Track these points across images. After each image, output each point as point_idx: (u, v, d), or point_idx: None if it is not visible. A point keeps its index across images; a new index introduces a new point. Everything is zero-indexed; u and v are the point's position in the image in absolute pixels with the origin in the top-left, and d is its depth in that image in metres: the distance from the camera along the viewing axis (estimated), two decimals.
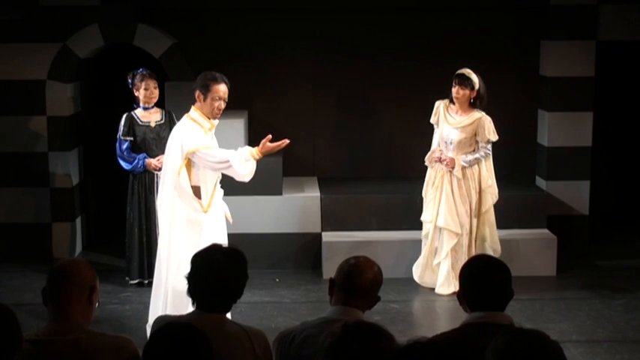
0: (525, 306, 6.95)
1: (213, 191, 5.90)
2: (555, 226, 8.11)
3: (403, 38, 8.76)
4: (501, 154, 8.77)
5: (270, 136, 5.85)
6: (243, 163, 5.78)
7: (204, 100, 5.86)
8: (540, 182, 8.81)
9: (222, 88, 5.87)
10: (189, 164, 5.80)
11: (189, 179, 5.80)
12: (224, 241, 5.84)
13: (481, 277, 3.30)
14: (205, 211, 5.83)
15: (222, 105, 5.91)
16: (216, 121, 5.97)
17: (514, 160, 8.94)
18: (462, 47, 8.55)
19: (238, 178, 5.93)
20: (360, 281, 3.48)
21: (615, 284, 7.59)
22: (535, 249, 7.84)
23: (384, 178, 8.82)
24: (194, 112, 5.91)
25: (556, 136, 8.60)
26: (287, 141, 5.87)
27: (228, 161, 5.75)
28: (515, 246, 7.80)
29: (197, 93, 5.88)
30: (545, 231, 8.05)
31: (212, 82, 5.85)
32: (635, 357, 6.04)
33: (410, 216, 7.75)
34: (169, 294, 5.82)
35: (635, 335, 6.45)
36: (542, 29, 8.67)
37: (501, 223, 7.96)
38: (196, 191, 5.83)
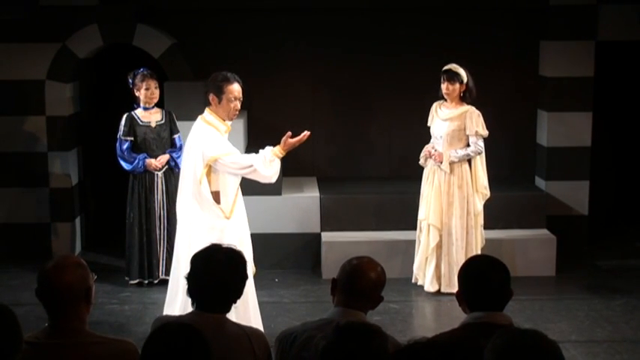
0: (524, 306, 6.95)
1: (235, 197, 5.74)
2: (555, 226, 8.12)
3: (403, 38, 8.76)
4: (501, 154, 8.78)
5: (290, 133, 5.71)
6: (268, 164, 5.64)
7: (220, 102, 5.69)
8: (540, 182, 8.81)
9: (236, 88, 5.71)
10: (209, 171, 5.63)
11: (210, 185, 5.64)
12: (248, 247, 5.76)
13: (480, 277, 3.30)
14: (228, 217, 5.68)
15: (239, 105, 5.75)
16: (230, 123, 5.82)
17: (513, 160, 8.95)
18: (461, 47, 8.55)
19: (264, 181, 5.80)
20: (361, 283, 3.45)
21: (614, 284, 7.60)
22: (534, 249, 7.84)
23: (383, 179, 8.82)
24: (209, 115, 5.74)
25: (555, 136, 8.60)
26: (308, 133, 5.72)
27: (252, 166, 5.61)
28: (515, 246, 7.80)
29: (211, 96, 5.71)
30: (545, 231, 8.06)
31: (225, 83, 5.69)
32: (634, 357, 6.05)
33: (409, 216, 7.74)
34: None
35: (635, 335, 6.45)
36: (541, 29, 8.67)
37: (501, 223, 7.99)
38: (215, 196, 5.67)
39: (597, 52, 8.51)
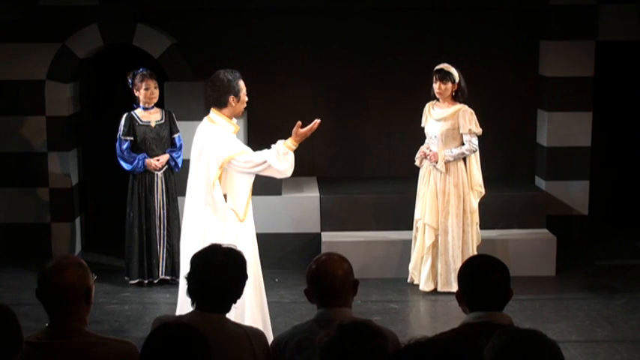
0: (524, 306, 6.95)
1: (248, 198, 5.60)
2: (555, 226, 8.12)
3: (402, 38, 8.77)
4: (501, 154, 8.79)
5: (300, 122, 5.57)
6: (282, 158, 5.50)
7: (239, 100, 5.61)
8: (540, 182, 8.81)
9: (243, 83, 5.67)
10: (221, 173, 5.50)
11: (221, 188, 5.51)
12: (254, 251, 5.66)
13: (480, 276, 3.30)
14: (242, 220, 5.54)
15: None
16: (235, 121, 5.72)
17: (513, 160, 8.95)
18: (461, 47, 8.56)
19: (279, 176, 5.67)
20: (329, 282, 3.45)
21: (614, 284, 7.60)
22: (534, 249, 7.84)
23: (383, 178, 8.82)
24: (217, 116, 5.61)
25: (555, 136, 8.60)
26: (318, 121, 5.57)
27: (265, 162, 5.48)
28: (515, 246, 7.80)
29: (231, 98, 5.56)
30: (545, 231, 8.06)
31: (238, 81, 5.60)
32: (634, 357, 6.05)
33: (409, 216, 7.74)
34: None
35: (634, 335, 6.46)
36: (541, 29, 8.67)
37: (501, 223, 7.98)
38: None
39: (597, 52, 8.51)
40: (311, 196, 8.12)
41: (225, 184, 5.55)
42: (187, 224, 5.69)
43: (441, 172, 7.24)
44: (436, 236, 7.30)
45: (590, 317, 6.80)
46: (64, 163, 8.33)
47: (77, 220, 8.57)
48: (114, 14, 8.14)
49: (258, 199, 7.74)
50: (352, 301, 3.55)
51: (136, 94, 7.55)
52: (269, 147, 5.63)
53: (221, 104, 5.61)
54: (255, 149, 5.68)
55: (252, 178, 5.66)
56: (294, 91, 8.84)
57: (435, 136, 7.28)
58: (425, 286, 7.37)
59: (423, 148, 7.38)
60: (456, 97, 7.24)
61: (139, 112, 7.57)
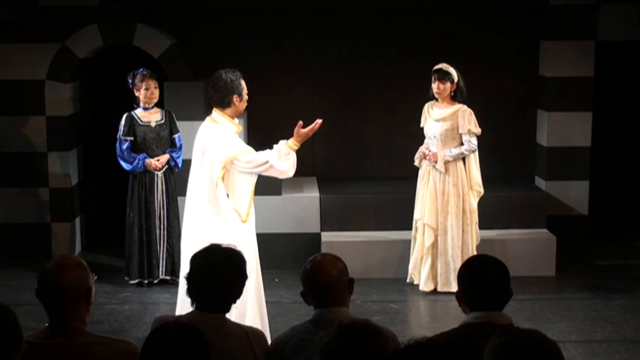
0: (524, 306, 6.95)
1: (250, 199, 5.60)
2: (554, 226, 8.12)
3: (402, 38, 8.77)
4: (501, 154, 8.79)
5: (301, 122, 5.56)
6: (284, 158, 5.49)
7: (241, 100, 5.62)
8: (539, 182, 8.81)
9: (244, 82, 5.68)
10: (224, 173, 5.50)
11: (224, 188, 5.50)
12: (255, 252, 5.65)
13: (479, 276, 3.30)
14: (244, 221, 5.53)
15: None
16: (238, 121, 5.72)
17: (513, 160, 8.95)
18: (461, 47, 8.56)
19: (281, 176, 5.69)
20: (325, 281, 3.44)
21: (614, 284, 7.60)
22: (534, 249, 7.84)
23: (383, 178, 8.82)
24: (219, 116, 5.60)
25: (555, 136, 8.61)
26: (320, 121, 5.57)
27: (267, 162, 5.48)
28: (515, 246, 7.80)
29: (235, 97, 5.57)
30: (545, 231, 8.06)
31: (240, 81, 5.61)
32: (634, 357, 6.05)
33: (409, 216, 7.75)
34: None
35: (634, 335, 6.46)
36: (541, 29, 8.67)
37: (501, 223, 7.98)
38: None
39: (597, 52, 8.51)
40: (311, 196, 8.12)
41: (228, 184, 5.54)
42: (189, 224, 5.67)
43: (440, 173, 7.25)
44: (436, 236, 7.30)
45: (590, 317, 6.81)
46: (64, 163, 8.34)
47: (77, 220, 8.57)
48: (114, 14, 8.14)
49: (258, 199, 7.69)
50: (349, 301, 3.54)
51: (136, 94, 7.55)
52: (270, 147, 5.61)
53: (225, 104, 5.61)
54: (256, 149, 5.68)
55: (254, 179, 5.66)
56: (294, 92, 8.84)
57: (434, 136, 7.29)
58: (425, 286, 7.37)
59: (422, 149, 7.38)
60: (455, 96, 7.25)
61: (139, 112, 7.57)
